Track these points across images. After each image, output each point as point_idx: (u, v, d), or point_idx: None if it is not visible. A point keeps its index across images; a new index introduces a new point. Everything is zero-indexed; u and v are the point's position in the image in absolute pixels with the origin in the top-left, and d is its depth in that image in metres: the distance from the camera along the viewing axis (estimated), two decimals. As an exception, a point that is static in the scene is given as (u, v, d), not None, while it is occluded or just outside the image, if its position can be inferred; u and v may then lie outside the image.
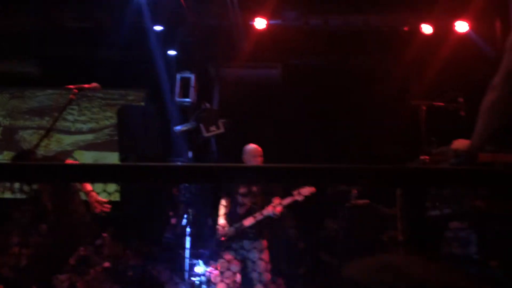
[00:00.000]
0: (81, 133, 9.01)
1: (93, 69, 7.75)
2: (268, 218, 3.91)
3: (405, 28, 7.06)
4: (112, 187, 8.18)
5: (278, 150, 7.28)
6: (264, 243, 4.05)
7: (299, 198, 3.74)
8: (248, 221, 3.86)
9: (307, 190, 3.48)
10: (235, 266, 3.71)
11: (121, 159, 5.46)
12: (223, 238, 3.88)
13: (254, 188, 4.09)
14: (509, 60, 1.60)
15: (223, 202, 4.29)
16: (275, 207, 3.83)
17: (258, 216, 3.81)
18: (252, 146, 4.47)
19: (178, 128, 6.24)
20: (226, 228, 3.96)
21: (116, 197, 8.07)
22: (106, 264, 5.42)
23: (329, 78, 7.94)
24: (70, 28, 7.49)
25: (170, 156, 7.14)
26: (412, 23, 7.01)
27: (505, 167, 2.50)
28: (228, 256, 3.70)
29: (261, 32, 7.11)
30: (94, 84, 3.05)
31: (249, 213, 3.96)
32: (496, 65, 1.70)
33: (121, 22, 7.19)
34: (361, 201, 5.47)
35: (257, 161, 4.12)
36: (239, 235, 3.85)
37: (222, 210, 4.21)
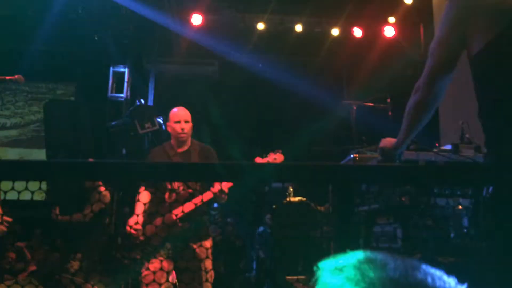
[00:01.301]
0: (4, 128, 8.42)
1: (18, 61, 7.28)
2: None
3: (338, 31, 7.33)
4: (35, 185, 7.72)
5: (215, 148, 7.27)
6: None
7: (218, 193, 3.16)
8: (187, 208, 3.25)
9: (225, 185, 3.04)
10: (168, 266, 3.33)
11: (49, 156, 5.19)
12: (141, 238, 3.31)
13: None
14: (430, 64, 1.71)
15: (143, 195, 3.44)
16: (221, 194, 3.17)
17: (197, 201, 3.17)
18: (175, 109, 3.65)
19: (113, 124, 6.03)
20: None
21: (40, 196, 7.64)
22: (32, 268, 5.14)
23: (265, 76, 8.04)
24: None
25: (103, 153, 6.89)
26: (344, 26, 7.29)
27: (426, 163, 2.67)
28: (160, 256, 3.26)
29: (198, 28, 7.06)
30: (17, 76, 2.85)
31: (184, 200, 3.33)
32: (420, 68, 1.81)
33: (49, 11, 6.81)
34: (296, 198, 5.60)
35: (182, 127, 3.45)
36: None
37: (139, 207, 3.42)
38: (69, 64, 7.92)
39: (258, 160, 3.36)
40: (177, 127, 3.50)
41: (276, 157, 3.42)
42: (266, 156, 3.44)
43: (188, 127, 3.54)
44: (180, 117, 3.53)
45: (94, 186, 4.28)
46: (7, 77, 2.83)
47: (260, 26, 7.24)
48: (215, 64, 8.05)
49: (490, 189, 1.55)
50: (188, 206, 3.15)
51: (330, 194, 3.47)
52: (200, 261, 3.19)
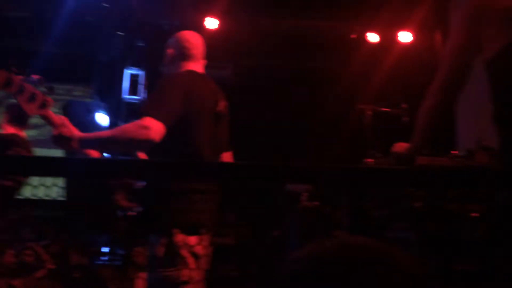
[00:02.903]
0: (24, 129, 8.59)
1: (37, 62, 7.42)
2: None
3: (352, 36, 7.31)
4: (49, 180, 7.81)
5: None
6: None
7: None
8: None
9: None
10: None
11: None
12: None
13: None
14: (443, 70, 1.72)
15: None
16: None
17: None
18: None
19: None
20: None
21: (53, 192, 7.76)
22: (50, 266, 5.21)
23: (280, 80, 8.06)
24: (11, 18, 7.14)
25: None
26: (359, 32, 7.28)
27: (440, 169, 2.66)
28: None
29: (213, 32, 7.11)
30: (37, 77, 2.92)
31: None
32: (436, 73, 1.82)
33: (66, 13, 6.93)
34: (310, 203, 5.59)
35: None
36: None
37: None
38: (86, 66, 8.05)
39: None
40: None
41: None
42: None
43: None
44: None
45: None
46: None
47: (274, 30, 7.27)
48: (229, 67, 8.09)
49: (505, 194, 1.55)
50: None
51: (343, 199, 3.47)
52: None
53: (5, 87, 1.90)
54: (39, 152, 8.45)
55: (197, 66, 2.26)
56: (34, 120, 8.66)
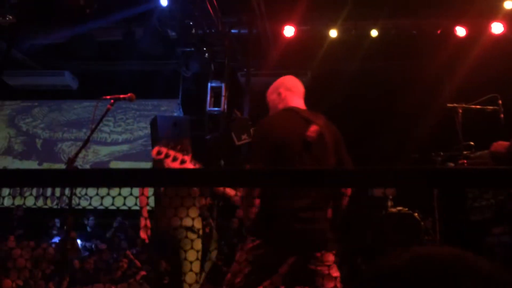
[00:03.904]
0: (117, 144, 9.24)
1: (126, 81, 7.97)
2: None
3: (438, 31, 6.94)
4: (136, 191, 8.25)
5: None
6: None
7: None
8: None
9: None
10: None
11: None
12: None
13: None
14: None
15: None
16: None
17: None
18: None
19: (210, 136, 6.31)
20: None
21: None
22: (143, 273, 5.52)
23: (360, 84, 7.87)
24: (101, 41, 7.73)
25: (203, 164, 7.20)
26: (445, 26, 6.89)
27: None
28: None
29: (290, 40, 7.14)
30: (129, 94, 3.14)
31: None
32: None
33: (151, 34, 7.36)
34: (396, 209, 5.37)
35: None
36: None
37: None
38: (171, 82, 8.48)
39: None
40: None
41: None
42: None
43: None
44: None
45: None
46: (121, 96, 3.12)
47: (353, 32, 7.13)
48: (307, 74, 8.07)
49: None
50: None
51: (435, 202, 3.27)
52: None
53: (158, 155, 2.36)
54: (131, 165, 9.04)
55: (295, 101, 2.36)
56: (126, 135, 9.32)
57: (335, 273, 2.09)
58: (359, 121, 7.74)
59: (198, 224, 3.52)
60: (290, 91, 2.37)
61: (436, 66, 7.06)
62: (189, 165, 2.42)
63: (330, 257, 2.07)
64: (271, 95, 2.45)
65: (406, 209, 5.27)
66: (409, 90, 7.22)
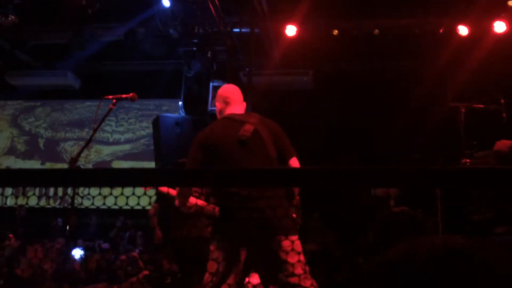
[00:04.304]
0: (119, 143, 9.25)
1: (128, 81, 7.98)
2: None
3: (440, 30, 6.92)
4: (140, 190, 8.27)
5: (311, 158, 7.24)
6: None
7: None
8: None
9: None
10: None
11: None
12: None
13: None
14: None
15: None
16: None
17: None
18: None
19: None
20: None
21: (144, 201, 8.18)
22: (146, 272, 5.53)
23: (361, 83, 7.86)
24: (103, 41, 7.73)
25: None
26: (448, 25, 6.87)
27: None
28: None
29: (292, 39, 7.12)
30: (131, 94, 3.13)
31: None
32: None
33: (153, 34, 7.37)
34: (398, 208, 5.36)
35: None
36: None
37: None
38: (173, 82, 8.48)
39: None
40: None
41: None
42: None
43: None
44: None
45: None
46: (123, 96, 3.12)
47: (355, 32, 7.11)
48: (309, 73, 8.06)
49: None
50: None
51: (438, 202, 3.26)
52: None
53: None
54: (134, 164, 9.05)
55: (232, 109, 2.65)
56: (128, 135, 9.34)
57: (298, 250, 2.27)
58: (361, 121, 7.73)
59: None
60: (225, 103, 2.64)
61: (438, 66, 7.05)
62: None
63: (288, 243, 2.23)
64: (215, 106, 2.74)
65: (409, 208, 5.27)
66: (411, 90, 7.20)
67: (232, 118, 2.54)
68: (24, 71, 8.61)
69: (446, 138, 5.34)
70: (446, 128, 5.21)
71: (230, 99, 2.64)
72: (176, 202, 2.45)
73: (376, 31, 6.95)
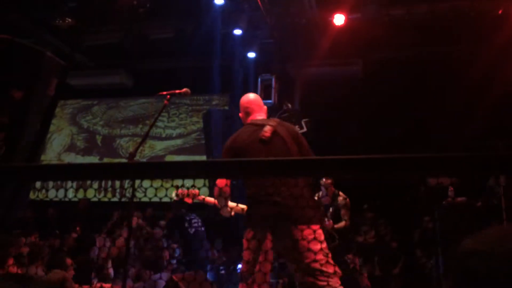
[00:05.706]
0: (171, 138, 9.52)
1: (179, 77, 8.17)
2: None
3: (499, 11, 6.55)
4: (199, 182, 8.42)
5: (362, 148, 7.14)
6: None
7: None
8: None
9: None
10: None
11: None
12: None
13: None
14: None
15: None
16: None
17: None
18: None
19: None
20: None
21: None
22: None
23: (413, 70, 7.62)
24: (154, 40, 7.95)
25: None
26: (507, 6, 6.49)
27: None
28: None
29: (340, 28, 7.00)
30: (184, 90, 3.22)
31: None
32: None
33: (202, 30, 7.49)
34: (458, 199, 5.19)
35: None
36: None
37: None
38: (222, 77, 8.60)
39: None
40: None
41: None
42: None
43: None
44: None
45: None
46: (177, 91, 3.21)
47: (406, 17, 6.89)
48: (359, 62, 7.91)
49: None
50: None
51: (501, 190, 3.12)
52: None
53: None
54: (186, 158, 9.28)
55: (254, 116, 2.92)
56: (180, 130, 9.58)
57: (320, 239, 2.46)
58: (414, 109, 7.50)
59: None
60: (247, 113, 2.91)
61: (495, 49, 6.69)
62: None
63: (309, 231, 2.42)
64: (240, 116, 3.01)
65: (468, 198, 5.09)
66: (467, 76, 6.89)
67: (254, 123, 2.82)
68: (80, 71, 9.02)
69: (506, 124, 5.09)
70: (505, 114, 4.97)
71: (250, 108, 2.91)
72: (217, 204, 2.71)
73: (428, 15, 6.69)
